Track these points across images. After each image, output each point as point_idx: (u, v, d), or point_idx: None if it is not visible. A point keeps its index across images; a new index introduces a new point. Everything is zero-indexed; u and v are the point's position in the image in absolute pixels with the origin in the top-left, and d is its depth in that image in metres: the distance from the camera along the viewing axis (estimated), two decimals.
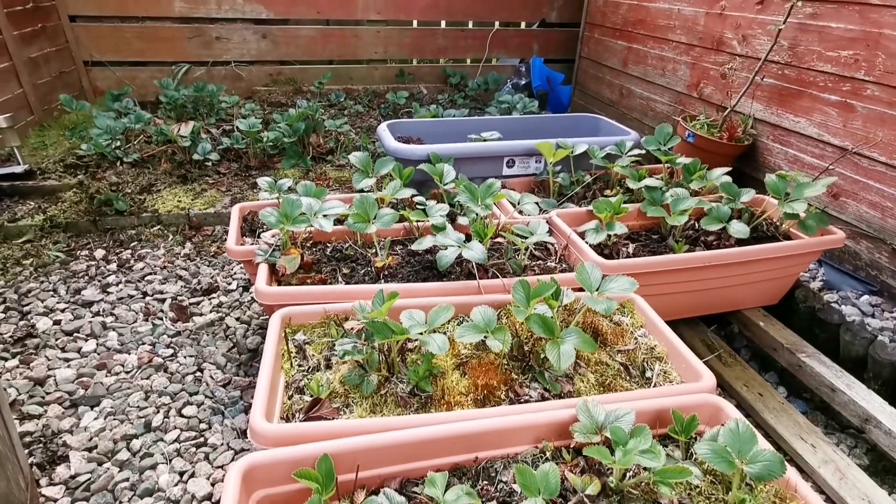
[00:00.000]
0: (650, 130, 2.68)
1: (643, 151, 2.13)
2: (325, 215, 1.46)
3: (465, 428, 0.96)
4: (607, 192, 2.06)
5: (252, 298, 2.01)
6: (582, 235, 1.67)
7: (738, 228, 1.68)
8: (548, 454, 0.97)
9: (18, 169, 2.55)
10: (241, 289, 2.08)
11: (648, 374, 1.20)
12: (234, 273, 2.17)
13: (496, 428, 0.97)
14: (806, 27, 2.13)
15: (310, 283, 1.36)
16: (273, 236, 1.52)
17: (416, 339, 1.09)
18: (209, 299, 2.01)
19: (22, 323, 1.83)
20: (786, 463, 0.87)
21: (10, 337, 1.75)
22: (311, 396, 1.05)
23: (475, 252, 1.35)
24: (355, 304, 1.12)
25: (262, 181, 1.73)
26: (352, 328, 1.11)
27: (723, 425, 0.97)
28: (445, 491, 0.83)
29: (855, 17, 1.95)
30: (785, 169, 2.29)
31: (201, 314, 1.93)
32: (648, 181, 1.87)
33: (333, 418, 1.01)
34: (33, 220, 2.31)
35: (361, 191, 1.86)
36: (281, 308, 1.23)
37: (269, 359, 1.07)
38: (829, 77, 2.06)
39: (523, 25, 4.21)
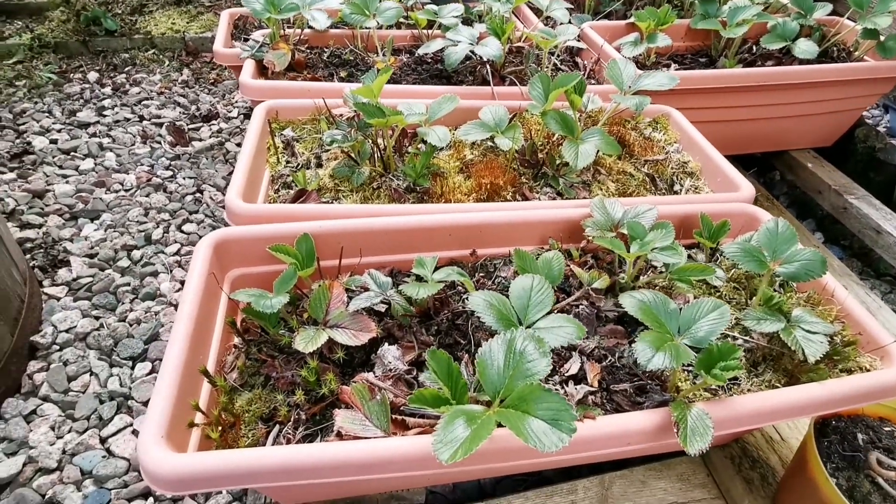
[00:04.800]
0: None
1: None
2: (318, 8, 1.26)
3: (463, 219, 0.86)
4: None
5: None
6: (618, 50, 1.44)
7: (805, 48, 1.43)
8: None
9: None
10: (241, 116, 1.95)
11: (677, 187, 1.06)
12: (235, 101, 2.03)
13: (498, 221, 0.87)
14: None
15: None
16: (262, 35, 1.34)
17: (415, 131, 0.96)
18: (209, 125, 1.89)
19: (18, 140, 1.76)
20: (827, 263, 0.75)
21: (7, 153, 1.69)
22: (297, 188, 0.95)
23: (490, 48, 1.16)
24: (346, 92, 0.98)
25: None
26: (341, 115, 0.97)
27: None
28: (434, 272, 0.76)
29: None
30: None
31: (200, 139, 1.83)
32: None
33: None
34: (21, 38, 2.15)
35: None
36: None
37: (250, 145, 0.96)
38: None
39: None
